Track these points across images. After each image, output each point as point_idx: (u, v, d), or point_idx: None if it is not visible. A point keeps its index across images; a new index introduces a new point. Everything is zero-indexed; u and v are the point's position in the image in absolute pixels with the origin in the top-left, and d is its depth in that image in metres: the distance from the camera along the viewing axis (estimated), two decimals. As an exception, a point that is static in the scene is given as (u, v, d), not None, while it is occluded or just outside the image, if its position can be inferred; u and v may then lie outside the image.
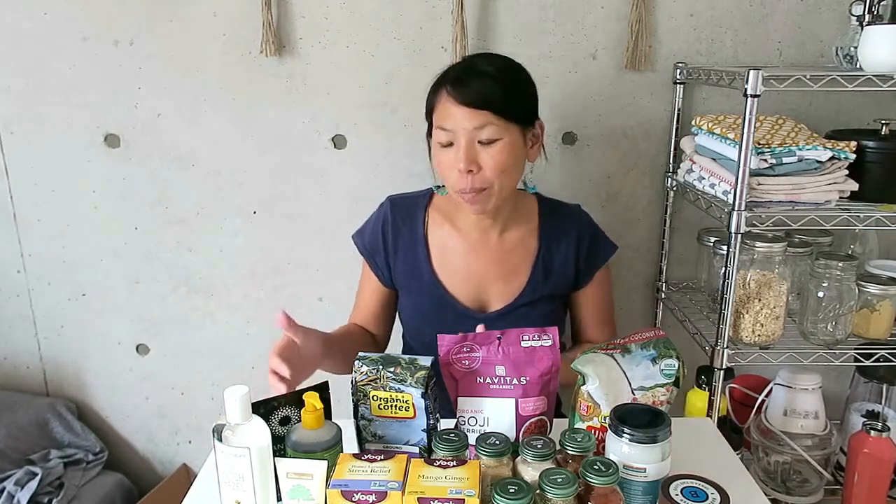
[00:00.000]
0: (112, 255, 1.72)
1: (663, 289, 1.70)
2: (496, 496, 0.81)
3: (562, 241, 1.34)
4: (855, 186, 1.32)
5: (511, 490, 0.81)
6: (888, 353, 1.35)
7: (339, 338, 1.30)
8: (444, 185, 1.33)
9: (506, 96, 1.20)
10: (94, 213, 1.69)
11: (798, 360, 1.36)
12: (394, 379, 0.96)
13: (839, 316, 1.36)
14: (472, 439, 0.94)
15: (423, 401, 0.95)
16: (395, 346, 1.49)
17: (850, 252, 1.55)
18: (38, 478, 1.55)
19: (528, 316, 1.31)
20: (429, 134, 1.29)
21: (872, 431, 1.30)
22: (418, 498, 0.80)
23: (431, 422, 0.97)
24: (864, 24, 1.30)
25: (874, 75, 1.23)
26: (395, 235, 1.35)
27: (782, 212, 1.29)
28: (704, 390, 1.52)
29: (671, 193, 1.65)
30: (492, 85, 1.19)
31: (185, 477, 1.87)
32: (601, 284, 1.39)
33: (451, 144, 1.20)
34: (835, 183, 1.31)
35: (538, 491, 0.83)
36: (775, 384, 1.44)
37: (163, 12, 1.55)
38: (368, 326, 1.42)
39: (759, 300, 1.34)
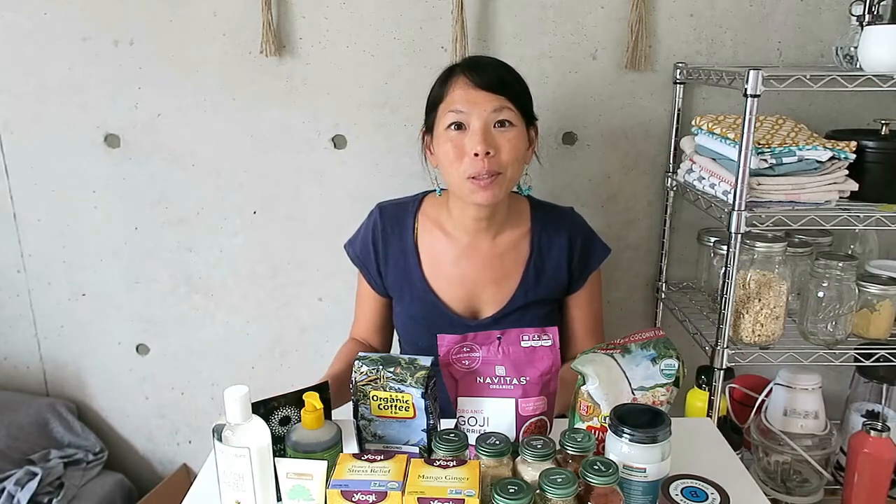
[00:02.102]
0: (112, 255, 1.72)
1: (663, 289, 1.70)
2: (496, 496, 0.81)
3: (554, 244, 1.32)
4: (855, 186, 1.32)
5: (511, 490, 0.81)
6: (888, 353, 1.35)
7: (346, 371, 1.22)
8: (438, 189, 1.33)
9: (518, 86, 1.24)
10: (94, 213, 1.69)
11: (798, 360, 1.35)
12: (394, 379, 0.96)
13: (839, 316, 1.36)
14: (472, 439, 0.94)
15: (423, 401, 0.95)
16: (392, 351, 1.49)
17: (850, 252, 1.55)
18: (38, 478, 1.55)
19: (520, 321, 1.30)
20: (428, 130, 1.27)
21: (872, 431, 1.30)
22: (418, 498, 0.80)
23: (431, 422, 0.97)
24: (864, 24, 1.29)
25: (874, 75, 1.23)
26: (386, 244, 1.34)
27: (782, 212, 1.29)
28: (704, 390, 1.52)
29: (671, 193, 1.65)
30: (506, 73, 1.23)
31: (185, 477, 1.87)
32: (593, 289, 1.38)
33: (461, 128, 1.19)
34: (835, 183, 1.31)
35: (538, 491, 0.83)
36: (775, 384, 1.44)
37: (163, 12, 1.55)
38: (370, 339, 1.42)
39: (759, 300, 1.34)
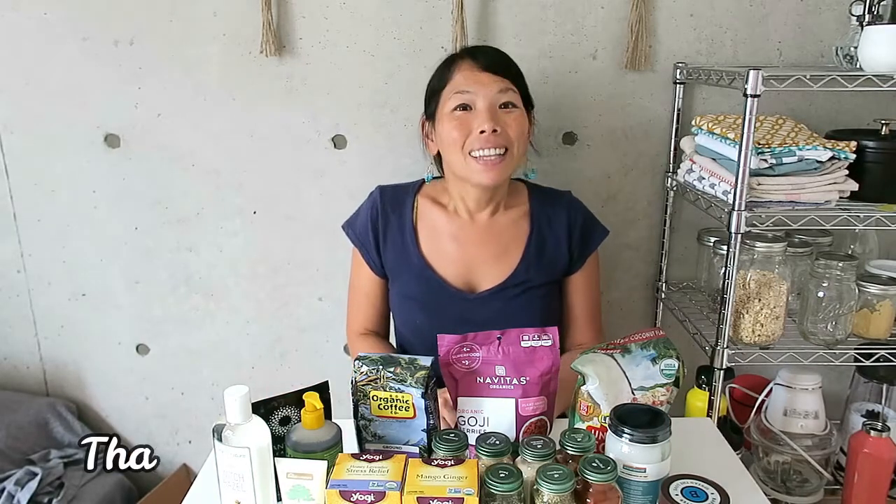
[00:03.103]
0: (112, 255, 1.72)
1: (663, 289, 1.70)
2: (488, 481, 0.81)
3: (554, 225, 1.35)
4: (855, 186, 1.32)
5: (502, 475, 0.82)
6: (888, 353, 1.35)
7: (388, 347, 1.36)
8: (436, 177, 1.36)
9: (518, 71, 1.29)
10: (94, 213, 1.69)
11: (798, 360, 1.35)
12: (394, 379, 0.96)
13: (839, 316, 1.36)
14: (472, 439, 0.94)
15: (423, 401, 0.95)
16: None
17: (850, 252, 1.55)
18: (38, 478, 1.55)
19: (518, 300, 1.31)
20: (430, 117, 1.29)
21: (872, 431, 1.30)
22: (417, 497, 0.80)
23: (431, 422, 0.97)
24: (864, 24, 1.30)
25: (874, 75, 1.23)
26: (385, 223, 1.36)
27: (782, 212, 1.29)
28: (704, 390, 1.52)
29: (671, 193, 1.65)
30: (507, 57, 1.30)
31: (185, 477, 1.87)
32: (592, 272, 1.39)
33: (466, 109, 1.23)
34: (835, 183, 1.31)
35: (534, 487, 0.83)
36: (775, 384, 1.44)
37: (163, 12, 1.55)
38: (375, 326, 1.42)
39: (759, 300, 1.34)
